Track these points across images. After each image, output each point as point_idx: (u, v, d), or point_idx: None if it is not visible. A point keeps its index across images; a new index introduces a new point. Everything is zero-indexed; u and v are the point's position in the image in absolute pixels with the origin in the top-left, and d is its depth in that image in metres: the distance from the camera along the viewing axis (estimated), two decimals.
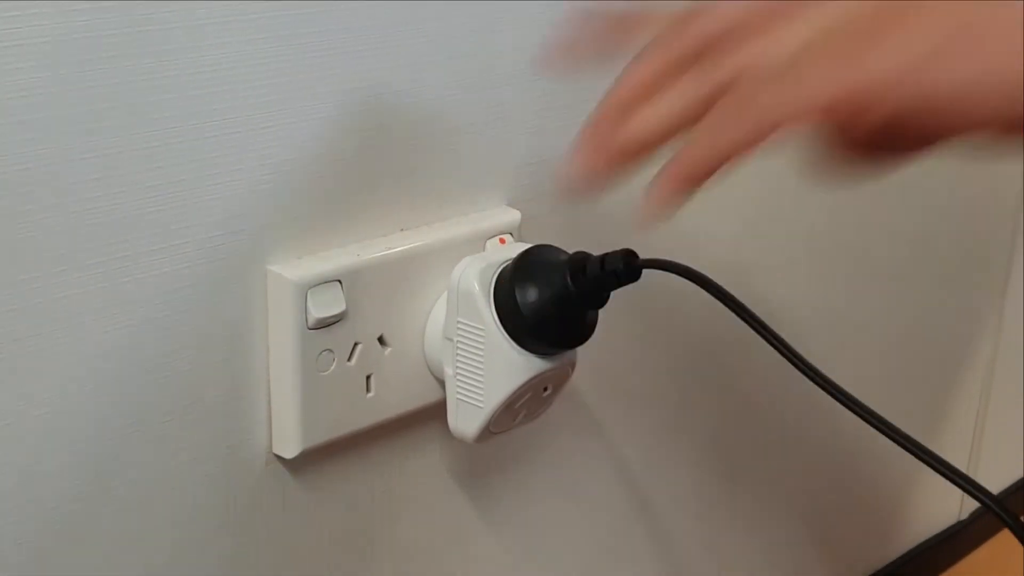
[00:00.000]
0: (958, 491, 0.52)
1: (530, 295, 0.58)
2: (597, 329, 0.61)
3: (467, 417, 0.60)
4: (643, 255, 0.58)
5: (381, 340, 0.61)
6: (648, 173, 0.47)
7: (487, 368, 0.59)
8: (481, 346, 0.59)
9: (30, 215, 0.49)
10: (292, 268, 0.57)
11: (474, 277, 0.59)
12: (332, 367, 0.59)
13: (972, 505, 1.20)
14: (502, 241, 0.65)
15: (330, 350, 0.59)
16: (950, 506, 1.19)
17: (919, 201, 1.01)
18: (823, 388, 0.53)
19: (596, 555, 0.82)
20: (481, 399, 0.60)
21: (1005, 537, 1.28)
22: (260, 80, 0.54)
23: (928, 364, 1.12)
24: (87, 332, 0.52)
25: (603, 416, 0.79)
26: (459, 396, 0.60)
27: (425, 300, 0.62)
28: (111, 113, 0.50)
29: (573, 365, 0.61)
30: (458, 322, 0.59)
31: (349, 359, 0.60)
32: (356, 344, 0.60)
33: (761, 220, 0.86)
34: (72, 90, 0.49)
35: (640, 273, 0.57)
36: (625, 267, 0.57)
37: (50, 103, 0.48)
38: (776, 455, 0.96)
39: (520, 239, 0.66)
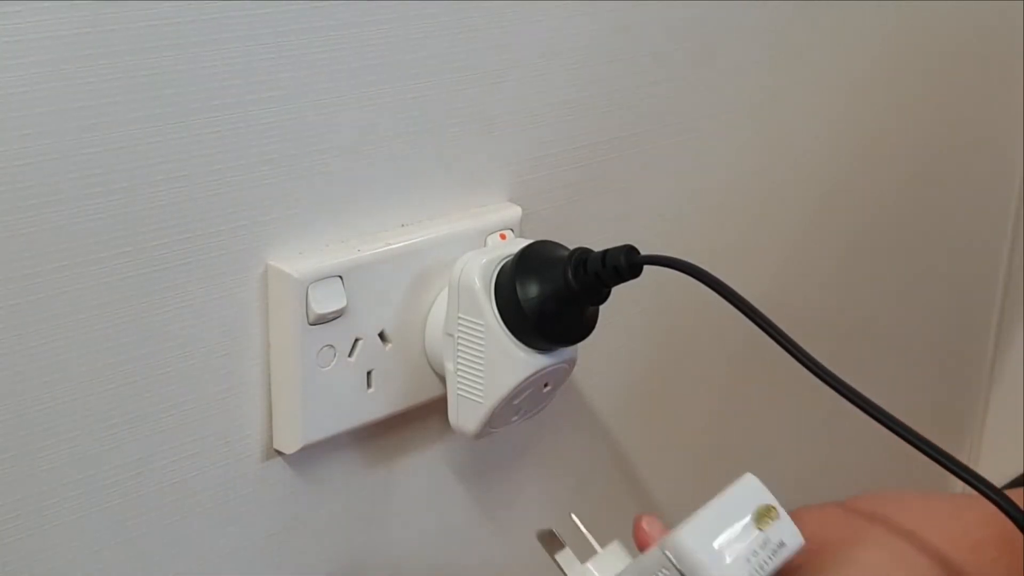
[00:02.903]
0: (958, 486, 0.52)
1: (531, 291, 0.57)
2: (598, 325, 0.61)
3: (467, 413, 0.60)
4: (644, 251, 0.57)
5: (382, 336, 0.61)
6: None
7: (488, 364, 0.59)
8: (482, 342, 0.59)
9: (31, 210, 0.49)
10: (293, 263, 0.57)
11: (475, 273, 0.59)
12: (333, 363, 0.59)
13: None
14: (503, 237, 0.65)
15: (331, 345, 0.59)
16: None
17: (919, 200, 1.01)
18: (826, 382, 0.53)
19: None
20: (481, 395, 0.59)
21: None
22: (262, 75, 0.54)
23: (928, 361, 1.12)
24: (87, 327, 0.52)
25: (603, 412, 0.78)
26: (460, 392, 0.60)
27: (426, 296, 0.62)
28: (111, 108, 0.50)
29: (573, 361, 0.61)
30: (459, 318, 0.59)
31: (350, 355, 0.60)
32: (357, 340, 0.60)
33: (763, 218, 0.86)
34: (72, 85, 0.48)
35: (641, 269, 0.57)
36: (626, 263, 0.57)
37: (50, 98, 0.48)
38: (777, 452, 0.96)
39: (521, 235, 0.66)
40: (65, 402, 0.52)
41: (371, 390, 0.61)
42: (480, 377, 0.59)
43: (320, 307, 0.57)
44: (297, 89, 0.56)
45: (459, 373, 0.60)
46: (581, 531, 0.59)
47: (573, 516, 0.60)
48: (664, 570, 0.52)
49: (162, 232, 0.53)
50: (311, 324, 0.58)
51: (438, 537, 0.70)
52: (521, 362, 0.59)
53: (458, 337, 0.60)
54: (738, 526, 0.52)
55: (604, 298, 0.59)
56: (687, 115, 0.76)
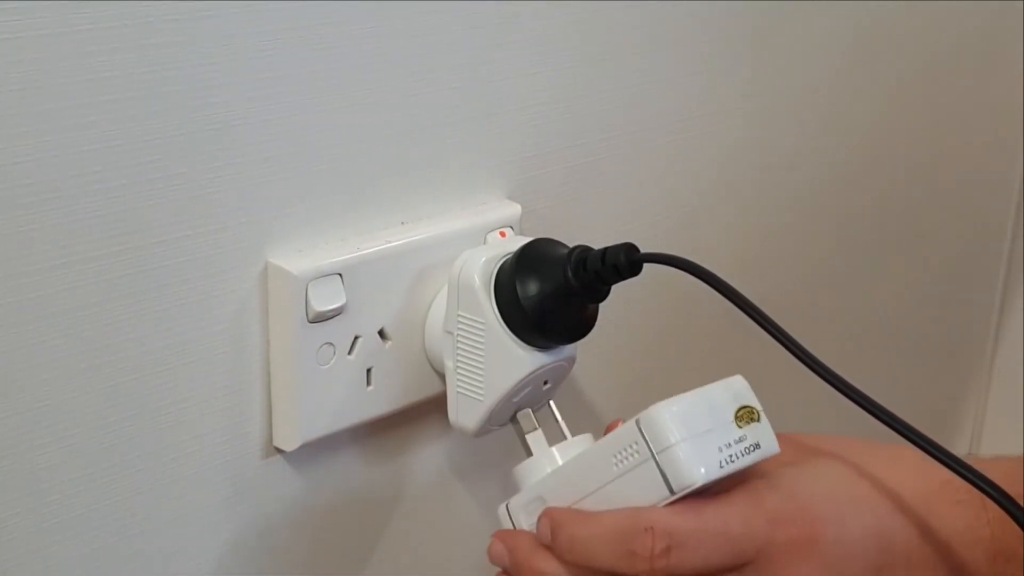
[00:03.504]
0: None
1: (531, 289, 0.57)
2: (597, 323, 0.60)
3: (467, 410, 0.60)
4: (644, 249, 0.57)
5: (381, 333, 0.61)
6: None
7: (487, 362, 0.59)
8: (481, 340, 0.59)
9: (30, 208, 0.49)
10: (292, 261, 0.57)
11: (475, 270, 0.59)
12: (332, 360, 0.59)
13: None
14: (502, 234, 0.65)
15: (330, 343, 0.59)
16: None
17: (919, 198, 1.01)
18: (824, 379, 0.53)
19: None
20: (481, 392, 0.59)
21: None
22: (261, 73, 0.54)
23: (928, 360, 1.12)
24: (87, 325, 0.52)
25: (603, 410, 0.78)
26: (459, 389, 0.60)
27: (425, 293, 0.62)
28: (111, 105, 0.50)
29: (573, 359, 0.61)
30: (458, 315, 0.59)
31: (349, 352, 0.60)
32: (356, 337, 0.60)
33: (763, 215, 0.86)
34: (71, 83, 0.48)
35: (641, 267, 0.57)
36: (626, 261, 0.56)
37: (49, 95, 0.48)
38: None
39: (521, 232, 0.66)
40: (64, 400, 0.52)
41: (371, 388, 0.61)
42: (480, 375, 0.59)
43: (320, 305, 0.57)
44: (296, 87, 0.55)
45: (459, 371, 0.60)
46: (556, 419, 0.60)
47: (551, 403, 0.60)
48: (633, 445, 0.51)
49: (161, 230, 0.53)
50: (311, 322, 0.57)
51: (438, 534, 0.70)
52: (521, 360, 0.59)
53: (458, 335, 0.60)
54: (717, 417, 0.52)
55: (604, 296, 0.59)
56: (685, 112, 0.76)
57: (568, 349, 0.60)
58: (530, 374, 0.59)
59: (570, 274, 0.57)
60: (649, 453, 0.51)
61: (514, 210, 0.66)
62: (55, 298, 0.50)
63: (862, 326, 1.00)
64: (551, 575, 0.54)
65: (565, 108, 0.68)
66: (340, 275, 0.58)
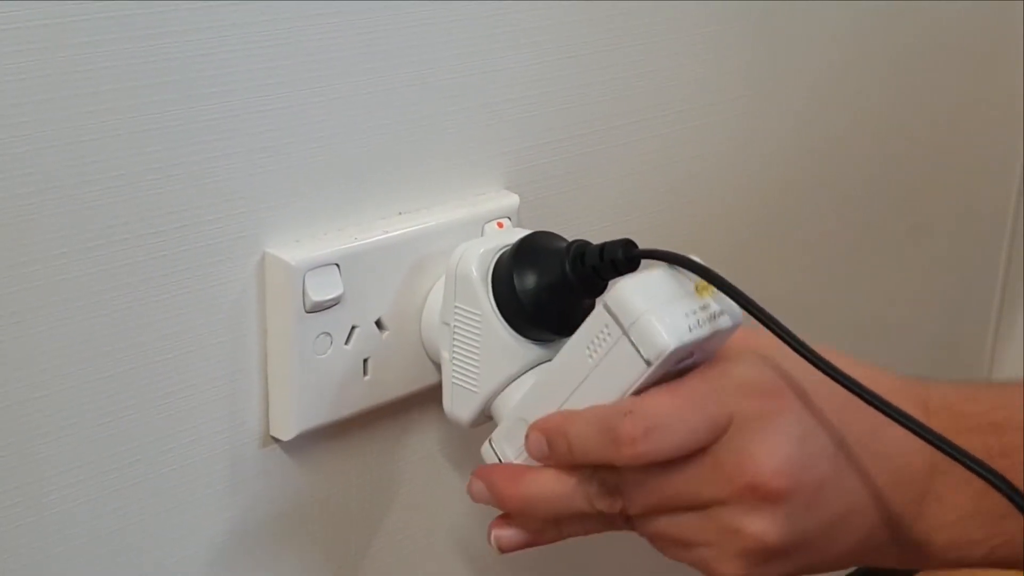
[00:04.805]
0: None
1: (528, 282, 0.58)
2: None
3: (462, 402, 0.60)
4: (641, 242, 0.57)
5: (378, 324, 0.61)
6: None
7: (483, 353, 0.59)
8: (478, 331, 0.59)
9: (28, 198, 0.49)
10: (290, 251, 0.57)
11: (472, 262, 0.59)
12: (329, 350, 0.59)
13: None
14: (500, 225, 0.65)
15: (327, 333, 0.59)
16: None
17: (918, 195, 1.01)
18: (823, 371, 0.53)
19: (589, 538, 0.82)
20: (476, 384, 0.60)
21: None
22: (258, 64, 0.54)
23: (928, 359, 1.12)
24: (85, 315, 0.52)
25: None
26: (455, 380, 0.60)
27: (423, 284, 0.62)
28: (108, 95, 0.50)
29: None
30: (455, 307, 0.59)
31: (346, 342, 0.60)
32: (353, 327, 0.60)
33: (761, 210, 0.86)
34: (69, 72, 0.48)
35: (639, 263, 0.57)
36: (624, 257, 0.56)
37: (47, 85, 0.48)
38: None
39: (518, 223, 0.66)
40: (64, 390, 0.52)
41: (367, 378, 0.62)
42: (475, 366, 0.59)
43: (317, 295, 0.57)
44: (295, 77, 0.55)
45: (455, 362, 0.60)
46: None
47: None
48: (604, 329, 0.52)
49: (158, 220, 0.53)
50: (308, 312, 0.58)
51: (432, 525, 0.71)
52: (516, 353, 0.59)
53: (454, 326, 0.60)
54: (679, 288, 0.53)
55: (601, 291, 0.59)
56: (683, 103, 0.76)
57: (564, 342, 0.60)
58: (525, 367, 0.59)
59: (568, 268, 0.57)
60: (620, 331, 0.51)
61: (512, 200, 0.66)
62: (54, 288, 0.51)
63: (861, 323, 1.00)
64: (539, 495, 0.55)
65: (563, 99, 0.68)
66: (337, 265, 0.58)
